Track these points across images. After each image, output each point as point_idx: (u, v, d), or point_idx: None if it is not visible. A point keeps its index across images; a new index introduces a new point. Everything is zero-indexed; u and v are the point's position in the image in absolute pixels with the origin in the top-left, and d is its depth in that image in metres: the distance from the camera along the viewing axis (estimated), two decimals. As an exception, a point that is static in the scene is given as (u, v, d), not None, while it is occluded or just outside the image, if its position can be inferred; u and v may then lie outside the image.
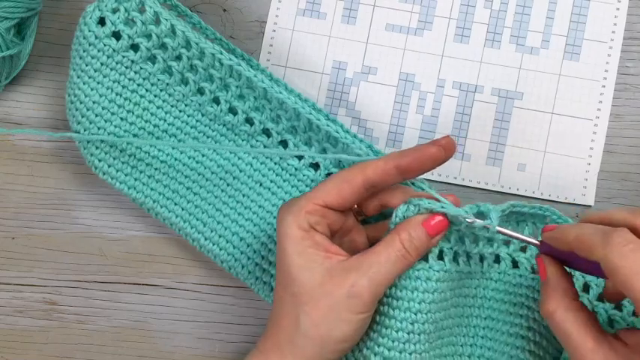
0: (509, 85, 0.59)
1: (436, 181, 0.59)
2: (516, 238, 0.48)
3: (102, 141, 0.56)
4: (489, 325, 0.54)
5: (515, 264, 0.53)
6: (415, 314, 0.49)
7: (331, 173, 0.56)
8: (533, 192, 0.59)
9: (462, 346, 0.54)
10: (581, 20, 0.59)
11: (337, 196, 0.48)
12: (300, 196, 0.49)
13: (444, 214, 0.48)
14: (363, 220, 0.55)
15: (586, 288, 0.53)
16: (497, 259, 0.53)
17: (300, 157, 0.56)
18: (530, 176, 0.59)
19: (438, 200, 0.49)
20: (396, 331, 0.49)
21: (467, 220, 0.48)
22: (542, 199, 0.59)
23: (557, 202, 0.58)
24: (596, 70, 0.59)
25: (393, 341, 0.49)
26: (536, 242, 0.48)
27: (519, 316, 0.53)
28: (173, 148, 0.57)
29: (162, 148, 0.57)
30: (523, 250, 0.53)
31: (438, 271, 0.49)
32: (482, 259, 0.52)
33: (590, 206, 0.58)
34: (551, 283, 0.46)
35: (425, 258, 0.49)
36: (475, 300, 0.53)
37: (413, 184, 0.52)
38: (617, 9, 0.59)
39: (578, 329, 0.44)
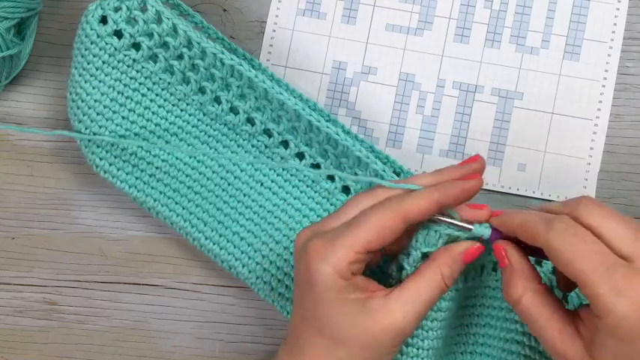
0: (509, 85, 0.59)
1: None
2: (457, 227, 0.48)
3: (103, 140, 0.56)
4: (488, 332, 0.54)
5: None
6: (427, 332, 0.49)
7: (331, 175, 0.56)
8: (534, 192, 0.59)
9: (462, 353, 0.54)
10: (581, 20, 0.59)
11: (380, 242, 0.46)
12: (336, 240, 0.46)
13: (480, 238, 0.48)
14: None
15: (538, 262, 0.52)
16: (495, 267, 0.53)
17: (301, 158, 0.56)
18: (530, 176, 0.59)
19: (458, 224, 0.48)
20: (406, 346, 0.49)
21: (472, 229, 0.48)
22: (542, 199, 0.59)
23: (557, 202, 0.58)
24: (596, 70, 0.59)
25: (401, 354, 0.49)
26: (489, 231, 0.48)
27: (514, 321, 0.53)
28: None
29: (164, 147, 0.57)
30: None
31: (451, 291, 0.49)
32: (482, 268, 0.53)
33: (590, 206, 0.58)
34: (516, 268, 0.46)
35: None
36: (474, 309, 0.54)
37: None
38: (617, 9, 0.59)
39: (546, 313, 0.44)
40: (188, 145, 0.57)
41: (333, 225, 0.47)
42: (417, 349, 0.49)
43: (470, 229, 0.47)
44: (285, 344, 0.49)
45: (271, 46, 0.61)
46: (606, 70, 0.59)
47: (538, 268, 0.51)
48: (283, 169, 0.57)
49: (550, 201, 0.58)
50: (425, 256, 0.48)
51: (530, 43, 0.59)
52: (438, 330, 0.49)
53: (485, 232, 0.47)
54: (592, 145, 0.59)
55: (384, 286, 0.48)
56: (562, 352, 0.43)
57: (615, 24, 0.59)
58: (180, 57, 0.55)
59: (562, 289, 0.50)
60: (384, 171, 0.53)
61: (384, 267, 0.54)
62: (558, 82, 0.59)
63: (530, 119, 0.59)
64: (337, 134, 0.53)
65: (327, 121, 0.56)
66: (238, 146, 0.57)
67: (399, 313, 0.46)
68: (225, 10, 0.61)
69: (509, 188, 0.59)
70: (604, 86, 0.59)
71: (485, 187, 0.59)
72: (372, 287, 0.47)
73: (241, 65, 0.54)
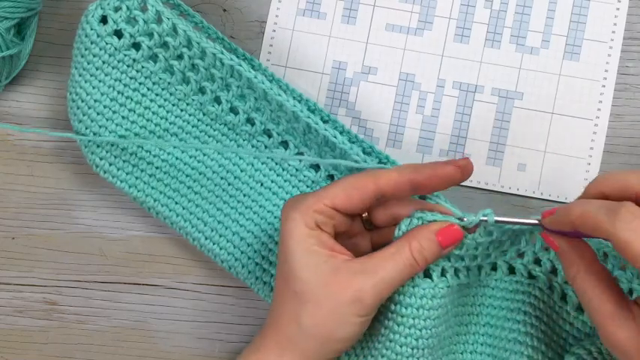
0: (509, 85, 0.59)
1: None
2: (514, 223, 0.47)
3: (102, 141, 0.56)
4: (488, 331, 0.54)
5: (511, 270, 0.53)
6: (420, 330, 0.49)
7: (331, 175, 0.56)
8: (534, 192, 0.59)
9: (462, 353, 0.54)
10: (581, 20, 0.59)
11: (346, 201, 0.48)
12: (308, 194, 0.49)
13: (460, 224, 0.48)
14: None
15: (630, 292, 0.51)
16: (494, 267, 0.53)
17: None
18: (530, 176, 0.59)
19: (448, 213, 0.49)
20: (400, 346, 0.49)
21: (465, 220, 0.48)
22: (542, 199, 0.59)
23: (557, 202, 0.58)
24: (596, 70, 0.59)
25: (396, 354, 0.49)
26: (534, 222, 0.47)
27: (517, 321, 0.53)
28: (174, 147, 0.57)
29: (164, 147, 0.57)
30: (520, 256, 0.53)
31: (442, 288, 0.49)
32: (479, 269, 0.53)
33: (590, 206, 0.58)
34: (565, 250, 0.45)
35: (429, 276, 0.49)
36: (474, 308, 0.54)
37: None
38: (617, 9, 0.59)
39: (598, 292, 0.43)
40: (188, 145, 0.57)
41: None
42: (412, 348, 0.49)
43: (534, 223, 0.47)
44: None
45: (271, 46, 0.61)
46: (606, 70, 0.59)
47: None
48: (284, 170, 0.57)
49: (550, 201, 0.58)
50: None
51: (530, 43, 0.59)
52: (432, 329, 0.49)
53: (490, 217, 0.47)
54: (592, 145, 0.59)
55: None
56: (612, 332, 0.42)
57: (615, 24, 0.59)
58: (180, 57, 0.55)
59: None
60: None
61: None
62: (558, 82, 0.59)
63: (530, 119, 0.59)
64: (335, 137, 0.53)
65: (325, 122, 0.56)
66: (238, 146, 0.57)
67: (359, 274, 0.46)
68: (225, 10, 0.61)
69: (509, 188, 0.59)
70: (604, 86, 0.59)
71: (485, 187, 0.59)
72: (337, 249, 0.48)
73: (241, 65, 0.54)
